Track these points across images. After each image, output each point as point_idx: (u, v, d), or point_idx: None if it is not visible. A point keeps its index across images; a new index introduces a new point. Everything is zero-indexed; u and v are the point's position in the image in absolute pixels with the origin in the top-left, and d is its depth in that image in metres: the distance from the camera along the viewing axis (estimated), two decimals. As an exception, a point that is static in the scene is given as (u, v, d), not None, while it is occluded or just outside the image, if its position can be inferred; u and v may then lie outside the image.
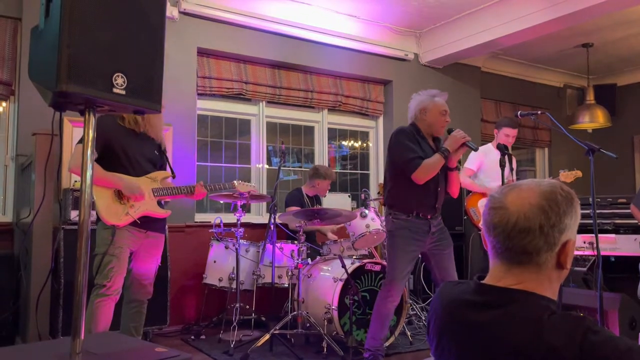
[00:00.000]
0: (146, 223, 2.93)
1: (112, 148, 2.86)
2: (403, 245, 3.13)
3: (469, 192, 4.81)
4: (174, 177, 3.15)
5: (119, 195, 2.85)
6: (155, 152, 3.06)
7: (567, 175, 4.48)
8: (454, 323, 1.10)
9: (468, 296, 1.10)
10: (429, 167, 3.07)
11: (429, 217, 3.17)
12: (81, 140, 2.73)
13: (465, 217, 5.32)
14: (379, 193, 5.29)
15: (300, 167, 5.73)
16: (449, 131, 3.19)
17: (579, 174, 4.48)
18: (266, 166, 5.36)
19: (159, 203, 3.01)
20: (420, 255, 3.33)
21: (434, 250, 3.22)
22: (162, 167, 3.12)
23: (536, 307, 1.00)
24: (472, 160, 4.65)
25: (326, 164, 5.59)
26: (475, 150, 3.20)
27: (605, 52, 6.49)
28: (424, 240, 3.17)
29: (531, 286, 1.04)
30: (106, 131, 2.80)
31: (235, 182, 3.49)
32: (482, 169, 4.61)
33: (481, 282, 1.12)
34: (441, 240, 3.23)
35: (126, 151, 2.90)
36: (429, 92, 3.27)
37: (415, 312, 4.52)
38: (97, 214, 2.81)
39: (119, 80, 1.52)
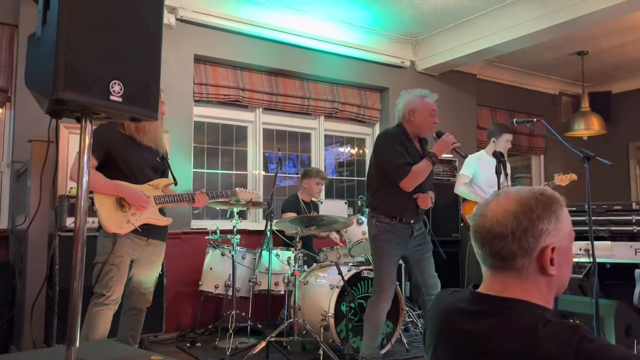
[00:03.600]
0: (148, 231, 2.91)
1: (113, 156, 2.84)
2: (388, 250, 3.12)
3: (465, 199, 4.81)
4: (176, 184, 3.13)
5: (120, 203, 2.84)
6: (158, 159, 3.04)
7: (562, 179, 4.46)
8: (450, 332, 1.10)
9: (463, 305, 1.10)
10: (417, 174, 3.06)
11: (412, 222, 3.17)
12: None
13: (461, 224, 5.32)
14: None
15: (297, 173, 5.73)
16: (438, 134, 3.18)
17: (574, 177, 4.47)
18: (263, 172, 5.36)
19: (161, 211, 3.00)
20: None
21: (416, 254, 3.22)
22: (164, 174, 3.11)
23: (531, 316, 1.00)
24: (468, 167, 4.65)
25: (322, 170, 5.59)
26: (465, 157, 3.20)
27: (600, 59, 6.54)
28: (406, 244, 3.17)
29: (518, 293, 1.05)
30: (107, 139, 2.79)
31: (237, 189, 3.47)
32: (477, 175, 4.61)
33: (476, 290, 1.12)
34: (422, 244, 3.23)
35: (127, 159, 2.88)
36: (418, 92, 3.24)
37: (411, 319, 4.51)
38: (98, 222, 2.80)
39: (116, 87, 1.52)
